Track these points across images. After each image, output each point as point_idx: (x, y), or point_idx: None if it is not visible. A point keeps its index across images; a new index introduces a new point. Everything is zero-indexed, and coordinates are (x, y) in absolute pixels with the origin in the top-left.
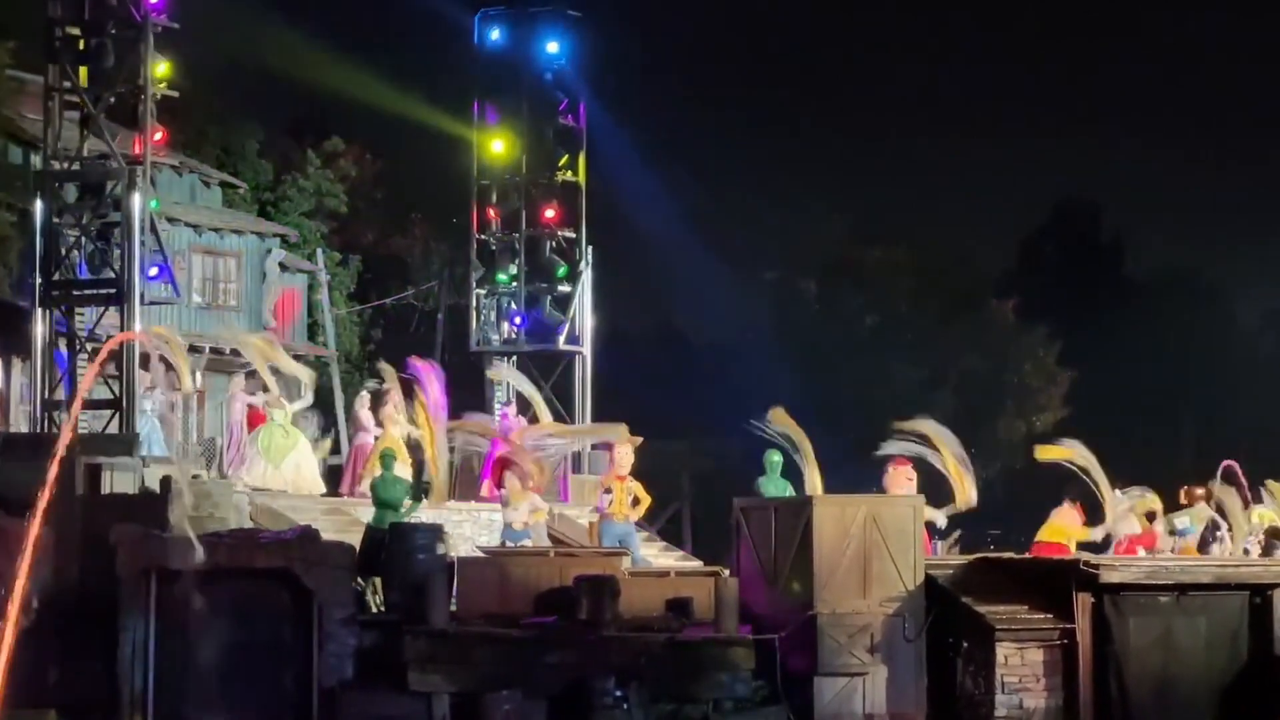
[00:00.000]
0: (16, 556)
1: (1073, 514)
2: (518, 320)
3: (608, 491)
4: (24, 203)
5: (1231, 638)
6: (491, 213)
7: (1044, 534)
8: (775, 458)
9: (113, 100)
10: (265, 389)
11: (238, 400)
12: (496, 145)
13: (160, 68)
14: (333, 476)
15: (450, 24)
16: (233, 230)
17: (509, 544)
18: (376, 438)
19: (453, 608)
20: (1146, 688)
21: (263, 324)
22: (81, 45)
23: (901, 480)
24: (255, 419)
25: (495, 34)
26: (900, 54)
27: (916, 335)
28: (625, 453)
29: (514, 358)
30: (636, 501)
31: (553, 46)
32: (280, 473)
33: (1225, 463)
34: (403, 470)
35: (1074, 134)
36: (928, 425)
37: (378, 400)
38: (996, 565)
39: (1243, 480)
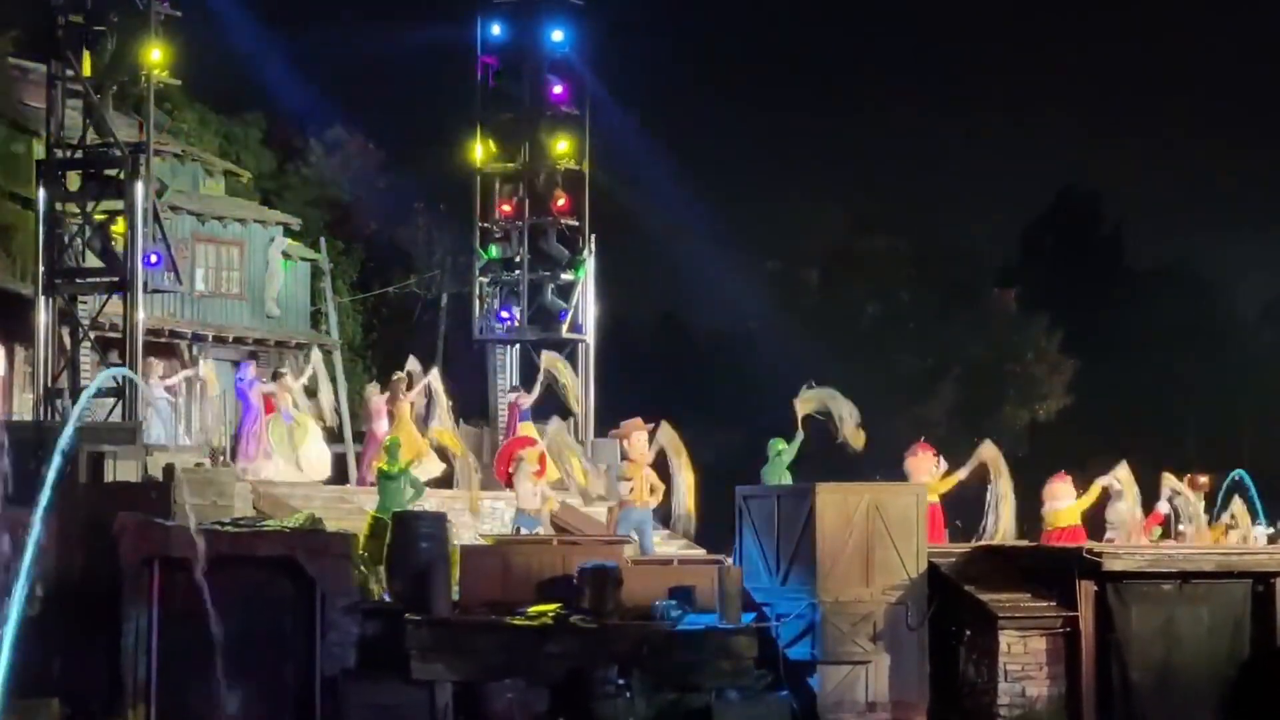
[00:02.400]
0: (19, 546)
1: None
2: (517, 310)
3: (627, 479)
4: (27, 191)
5: (1234, 626)
6: (497, 202)
7: (1050, 520)
8: (779, 446)
9: (115, 89)
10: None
11: (254, 393)
12: (500, 134)
13: (162, 56)
14: (334, 464)
15: (453, 11)
16: (235, 219)
17: (523, 530)
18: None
19: (455, 596)
20: (1149, 676)
21: (265, 313)
22: (84, 34)
23: (927, 467)
24: (269, 407)
25: (498, 22)
26: (903, 44)
27: (918, 325)
28: (640, 439)
29: (517, 345)
30: (653, 490)
31: (557, 35)
32: (288, 461)
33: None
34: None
35: (1075, 124)
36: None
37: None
38: (999, 553)
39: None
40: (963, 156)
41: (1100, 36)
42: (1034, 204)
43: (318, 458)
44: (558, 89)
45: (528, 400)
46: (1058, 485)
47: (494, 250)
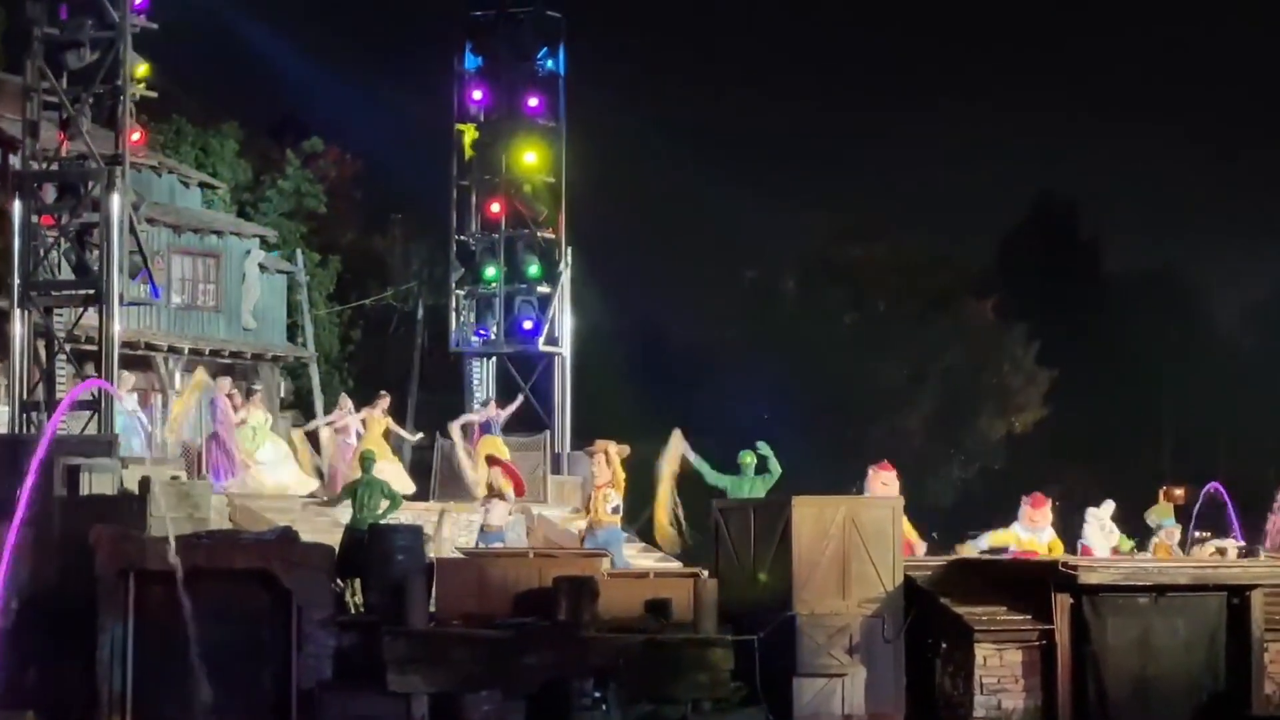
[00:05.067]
0: None
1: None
2: (494, 323)
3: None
4: (2, 203)
5: (1209, 639)
6: (484, 207)
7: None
8: (749, 459)
9: (91, 101)
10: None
11: (222, 401)
12: (476, 145)
13: (139, 68)
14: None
15: (433, 23)
16: (212, 231)
17: (483, 546)
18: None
19: (432, 609)
20: (1124, 688)
21: (242, 325)
22: (60, 46)
23: (877, 486)
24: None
25: (478, 34)
26: (879, 52)
27: (896, 334)
28: (599, 461)
29: (493, 358)
30: (616, 510)
31: (536, 50)
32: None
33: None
34: (389, 471)
35: (1052, 132)
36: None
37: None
38: (975, 566)
39: None
40: (940, 165)
41: (1078, 45)
42: (1012, 213)
43: (284, 471)
44: (533, 101)
45: (500, 414)
46: (1034, 511)
47: (490, 274)
